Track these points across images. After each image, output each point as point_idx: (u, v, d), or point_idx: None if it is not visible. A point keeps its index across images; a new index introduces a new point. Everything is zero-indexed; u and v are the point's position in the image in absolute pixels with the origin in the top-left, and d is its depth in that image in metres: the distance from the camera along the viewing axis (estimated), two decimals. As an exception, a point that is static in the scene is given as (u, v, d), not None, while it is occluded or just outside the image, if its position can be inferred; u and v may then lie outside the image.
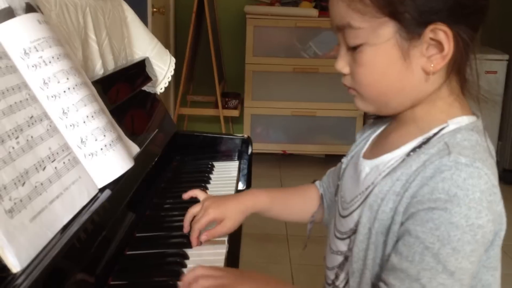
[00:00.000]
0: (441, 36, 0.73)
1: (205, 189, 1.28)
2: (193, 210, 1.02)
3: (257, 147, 3.44)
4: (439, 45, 0.73)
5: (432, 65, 0.74)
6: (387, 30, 0.74)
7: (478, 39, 0.76)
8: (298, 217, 1.09)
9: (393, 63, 0.75)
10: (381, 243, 0.77)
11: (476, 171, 0.70)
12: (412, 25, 0.73)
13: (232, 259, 1.00)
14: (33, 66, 0.86)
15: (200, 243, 0.99)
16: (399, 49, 0.74)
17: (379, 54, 0.76)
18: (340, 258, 0.88)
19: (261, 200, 1.04)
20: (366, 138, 0.92)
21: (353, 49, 0.78)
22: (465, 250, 0.69)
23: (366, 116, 3.60)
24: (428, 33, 0.73)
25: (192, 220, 1.01)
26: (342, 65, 0.81)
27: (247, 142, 1.53)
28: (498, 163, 3.83)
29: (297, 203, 1.08)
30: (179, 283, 0.82)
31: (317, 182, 1.08)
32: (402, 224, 0.73)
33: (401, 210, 0.74)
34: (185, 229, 1.02)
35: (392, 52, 0.75)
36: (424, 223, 0.70)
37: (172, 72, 1.63)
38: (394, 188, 0.75)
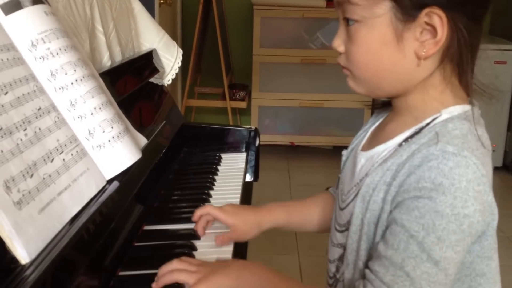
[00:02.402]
0: (436, 20, 0.72)
1: (212, 184, 1.28)
2: (211, 210, 1.01)
3: (264, 138, 3.44)
4: (433, 30, 0.73)
5: (424, 50, 0.74)
6: (383, 8, 0.74)
7: (478, 30, 0.76)
8: (317, 227, 1.06)
9: (387, 44, 0.75)
10: (373, 233, 0.77)
11: (464, 160, 0.69)
12: (408, 6, 0.73)
13: (240, 251, 1.00)
14: (40, 58, 0.86)
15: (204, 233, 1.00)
16: (393, 30, 0.74)
17: (373, 33, 0.76)
18: (340, 251, 0.88)
19: (278, 216, 1.03)
20: (366, 130, 0.92)
21: (349, 26, 0.78)
22: (450, 240, 0.69)
23: (374, 107, 3.59)
24: (423, 16, 0.73)
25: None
26: (338, 42, 0.81)
27: (254, 133, 1.52)
28: (507, 154, 3.79)
29: (315, 213, 1.06)
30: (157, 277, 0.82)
31: (330, 189, 1.07)
32: (390, 212, 0.74)
33: (389, 199, 0.74)
34: (194, 218, 1.01)
35: (386, 33, 0.75)
36: (409, 211, 0.70)
37: (180, 64, 1.62)
38: (384, 178, 0.75)
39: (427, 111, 0.78)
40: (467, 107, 0.78)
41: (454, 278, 0.73)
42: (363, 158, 0.84)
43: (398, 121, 0.82)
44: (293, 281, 0.83)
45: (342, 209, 0.87)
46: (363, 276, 0.75)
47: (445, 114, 0.76)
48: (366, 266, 0.76)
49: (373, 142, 0.86)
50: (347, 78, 0.82)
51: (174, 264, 0.81)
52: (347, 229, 0.84)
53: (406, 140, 0.77)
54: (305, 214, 1.06)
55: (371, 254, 0.77)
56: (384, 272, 0.71)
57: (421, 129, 0.77)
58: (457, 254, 0.70)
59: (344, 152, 0.94)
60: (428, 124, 0.76)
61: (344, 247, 0.86)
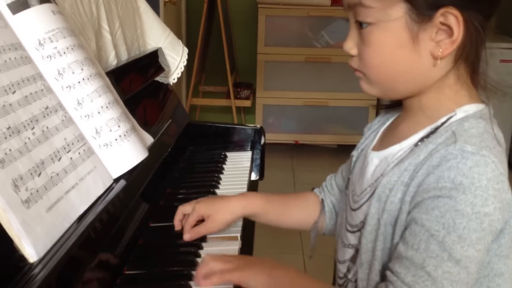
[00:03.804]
0: (452, 20, 0.72)
1: (217, 183, 1.28)
2: (183, 208, 1.00)
3: (269, 137, 3.42)
4: (449, 30, 0.73)
5: (441, 50, 0.74)
6: (398, 10, 0.74)
7: (490, 28, 0.75)
8: (296, 224, 1.05)
9: (402, 46, 0.75)
10: (390, 234, 0.77)
11: (483, 159, 0.69)
12: (423, 7, 0.72)
13: (246, 250, 1.00)
14: (47, 57, 0.87)
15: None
16: (408, 32, 0.74)
17: (388, 35, 0.75)
18: (351, 251, 0.87)
19: (255, 203, 1.01)
20: (376, 130, 0.91)
21: (363, 29, 0.77)
22: (471, 238, 0.69)
23: (378, 106, 3.58)
24: (438, 16, 0.72)
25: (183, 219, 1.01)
26: (351, 45, 0.80)
27: (259, 132, 1.52)
28: (512, 152, 3.76)
29: (295, 209, 1.04)
30: (194, 280, 0.82)
31: (315, 189, 1.05)
32: (409, 213, 0.74)
33: (408, 199, 0.74)
34: (176, 227, 1.00)
35: (401, 34, 0.74)
36: (429, 211, 0.70)
37: (185, 63, 1.62)
38: (402, 179, 0.75)
39: (441, 110, 0.77)
40: (481, 106, 0.77)
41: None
42: (375, 158, 0.84)
43: (411, 121, 0.81)
44: (324, 285, 0.82)
45: (354, 210, 0.87)
46: (384, 277, 0.75)
47: (460, 113, 0.76)
48: (387, 267, 0.75)
49: (385, 142, 0.85)
50: (360, 81, 0.82)
51: (212, 264, 0.81)
52: (359, 230, 0.84)
53: (421, 140, 0.77)
54: (285, 208, 1.04)
55: (390, 255, 0.77)
56: (405, 273, 0.71)
57: (436, 129, 0.76)
58: (478, 252, 0.70)
59: (354, 153, 0.93)
60: (443, 123, 0.76)
61: (355, 247, 0.86)
